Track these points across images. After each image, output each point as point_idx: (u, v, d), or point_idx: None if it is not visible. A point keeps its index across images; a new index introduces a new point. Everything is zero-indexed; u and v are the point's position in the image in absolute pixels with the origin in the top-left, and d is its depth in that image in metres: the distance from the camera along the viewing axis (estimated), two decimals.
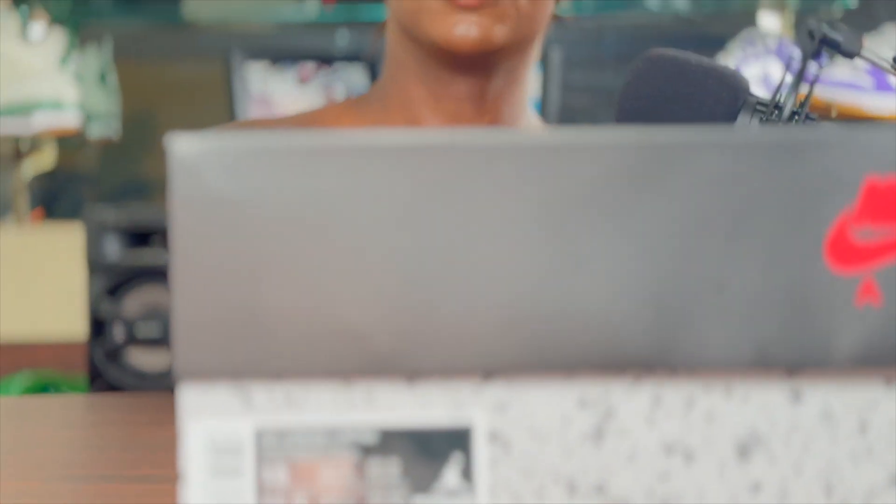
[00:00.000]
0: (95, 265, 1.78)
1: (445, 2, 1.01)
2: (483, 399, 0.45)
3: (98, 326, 1.84)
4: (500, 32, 1.02)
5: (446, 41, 1.01)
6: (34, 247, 2.11)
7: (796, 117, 0.98)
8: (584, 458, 0.45)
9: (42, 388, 1.92)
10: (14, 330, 2.03)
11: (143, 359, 1.85)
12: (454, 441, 0.45)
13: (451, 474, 0.45)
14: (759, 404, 0.45)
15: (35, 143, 2.12)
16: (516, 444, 0.45)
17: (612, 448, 0.45)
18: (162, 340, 1.82)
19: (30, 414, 0.90)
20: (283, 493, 0.45)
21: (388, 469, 0.45)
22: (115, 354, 1.84)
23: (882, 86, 1.78)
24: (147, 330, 1.82)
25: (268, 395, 0.45)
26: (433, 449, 0.45)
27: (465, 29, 1.01)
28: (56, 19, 2.08)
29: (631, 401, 0.45)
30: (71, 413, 0.92)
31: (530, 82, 1.12)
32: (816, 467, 0.45)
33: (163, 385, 1.80)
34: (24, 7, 1.94)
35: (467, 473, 0.45)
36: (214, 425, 0.45)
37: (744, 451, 0.45)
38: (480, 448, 0.45)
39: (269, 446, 0.45)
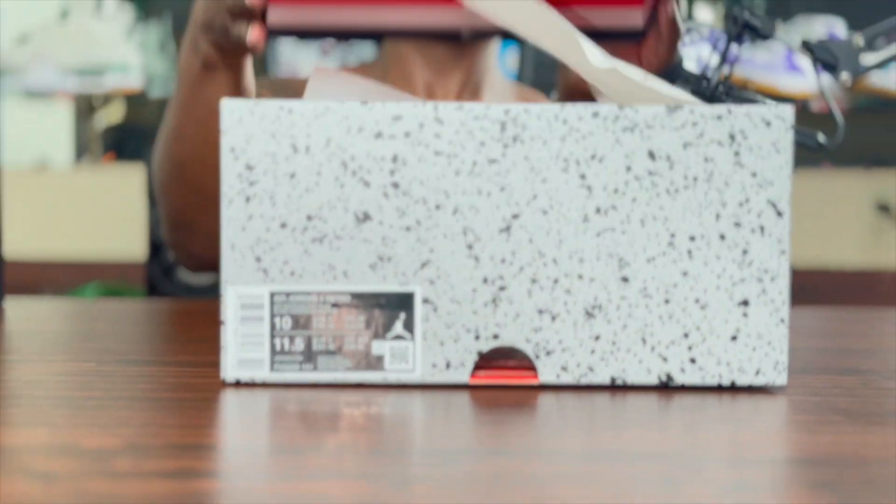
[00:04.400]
0: (154, 199, 1.84)
1: None
2: (420, 277, 0.58)
3: (155, 249, 1.93)
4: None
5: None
6: (106, 183, 2.15)
7: (720, 88, 1.08)
8: (484, 317, 0.58)
9: (109, 295, 2.01)
10: (88, 250, 2.11)
11: (192, 276, 1.92)
12: (399, 304, 0.57)
13: (398, 323, 0.58)
14: None
15: (107, 99, 2.18)
16: (442, 306, 0.58)
17: (510, 307, 0.58)
18: None
19: (96, 312, 0.93)
20: (288, 335, 0.58)
21: (357, 319, 0.57)
22: (168, 271, 1.93)
23: (793, 68, 1.87)
24: None
25: (279, 268, 0.57)
26: (386, 308, 0.58)
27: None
28: None
29: (520, 285, 0.57)
30: (128, 313, 0.93)
31: (497, 45, 1.22)
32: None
33: (207, 297, 1.88)
34: None
35: (409, 325, 0.58)
36: (244, 289, 0.58)
37: None
38: (419, 308, 0.58)
39: (280, 304, 0.58)
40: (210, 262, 1.05)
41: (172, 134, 0.98)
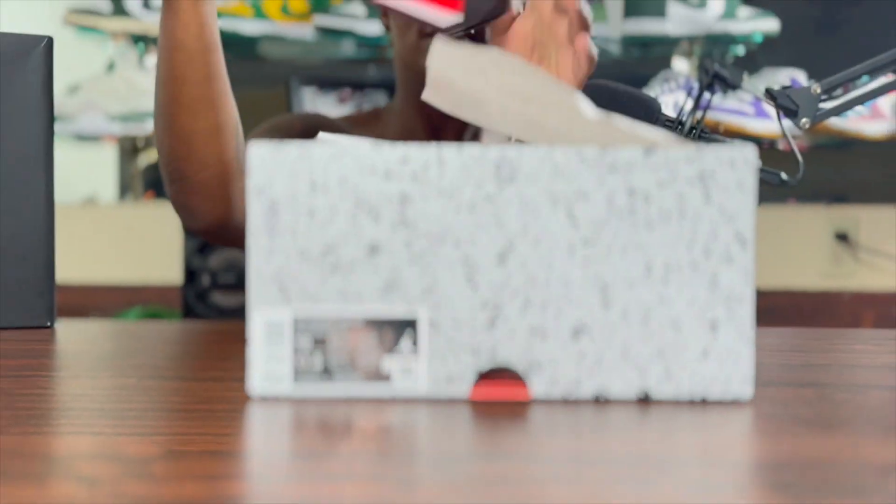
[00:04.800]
0: (189, 231, 1.87)
1: None
2: (425, 302, 0.58)
3: (190, 275, 1.92)
4: None
5: None
6: (146, 218, 2.15)
7: (694, 131, 1.09)
8: (481, 337, 0.58)
9: (149, 318, 2.01)
10: (131, 276, 2.12)
11: (223, 299, 1.93)
12: (406, 325, 0.57)
13: (405, 343, 0.58)
14: None
15: (148, 143, 2.19)
16: (444, 327, 0.58)
17: (505, 328, 0.58)
18: (237, 286, 1.91)
19: (137, 333, 0.93)
20: (307, 354, 0.58)
21: (368, 338, 0.58)
22: (202, 295, 1.94)
23: (761, 113, 1.88)
24: (226, 278, 1.90)
25: (299, 294, 0.57)
26: (394, 329, 0.58)
27: None
28: None
29: (514, 308, 0.58)
30: (165, 334, 0.93)
31: None
32: None
33: (237, 318, 1.88)
34: (140, 44, 2.01)
35: (415, 345, 0.58)
36: (268, 312, 0.58)
37: None
38: (423, 329, 0.57)
39: (300, 326, 0.57)
40: (208, 224, 0.97)
41: (155, 82, 0.94)
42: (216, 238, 1.02)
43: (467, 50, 0.62)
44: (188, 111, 0.92)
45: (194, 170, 0.94)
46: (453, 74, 0.62)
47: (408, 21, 0.90)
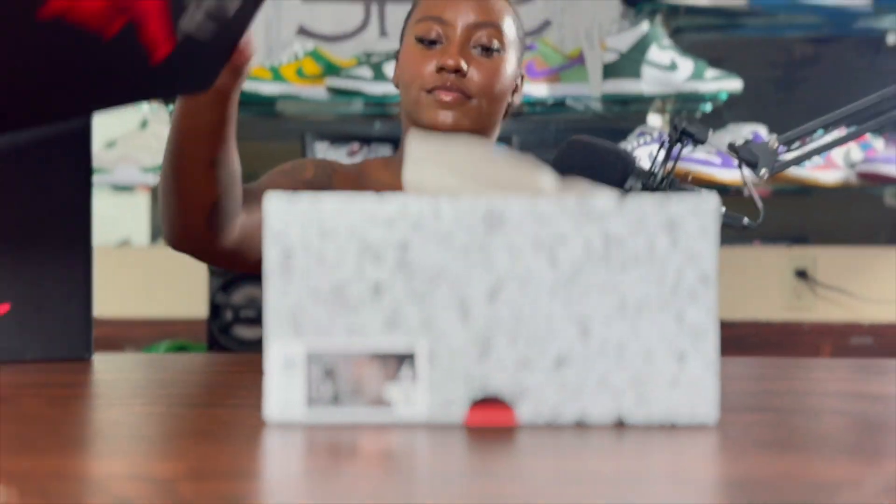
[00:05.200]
0: (214, 270, 1.86)
1: (434, 101, 1.14)
2: (423, 336, 0.58)
3: (215, 310, 1.92)
4: (464, 121, 1.15)
5: (433, 124, 1.15)
6: (177, 258, 2.15)
7: (665, 180, 1.10)
8: (474, 368, 0.58)
9: (177, 350, 2.02)
10: (161, 312, 2.13)
11: (244, 332, 1.93)
12: (406, 357, 0.58)
13: (405, 373, 0.59)
14: None
15: None
16: (440, 359, 0.58)
17: (495, 360, 0.58)
18: (257, 320, 1.91)
19: (167, 364, 0.95)
20: (319, 383, 0.59)
21: (373, 369, 0.58)
22: (225, 329, 1.94)
23: (727, 163, 1.88)
24: (247, 313, 1.91)
25: (311, 329, 0.58)
26: (396, 361, 0.58)
27: (444, 117, 1.14)
28: None
29: (503, 342, 0.58)
30: (192, 365, 0.95)
31: (492, 144, 1.24)
32: None
33: (257, 350, 1.88)
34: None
35: (414, 375, 0.58)
36: (284, 346, 0.59)
37: None
38: (422, 360, 0.58)
39: (312, 358, 0.58)
40: (186, 249, 0.98)
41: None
42: (193, 256, 1.03)
43: (437, 145, 0.63)
44: (182, 174, 0.93)
45: (178, 215, 0.95)
46: (428, 175, 0.62)
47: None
